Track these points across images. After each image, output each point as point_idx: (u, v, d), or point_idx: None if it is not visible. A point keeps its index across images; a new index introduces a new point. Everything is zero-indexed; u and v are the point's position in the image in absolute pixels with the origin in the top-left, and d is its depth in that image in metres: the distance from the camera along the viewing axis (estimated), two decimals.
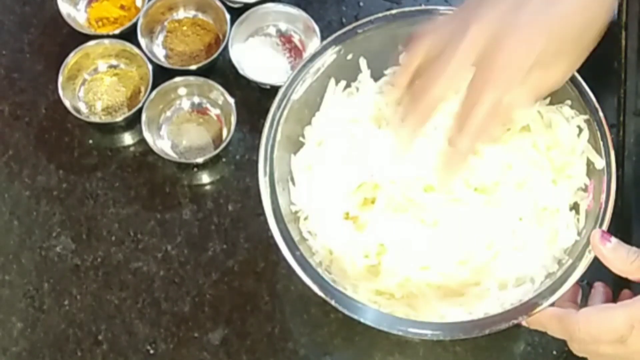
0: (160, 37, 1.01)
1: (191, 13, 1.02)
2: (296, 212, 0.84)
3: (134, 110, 0.95)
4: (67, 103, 0.96)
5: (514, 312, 0.77)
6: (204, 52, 1.00)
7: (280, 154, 0.84)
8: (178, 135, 0.97)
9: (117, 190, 0.95)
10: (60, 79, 0.96)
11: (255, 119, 0.96)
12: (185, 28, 1.01)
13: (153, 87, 0.96)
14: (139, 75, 0.99)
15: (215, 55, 0.98)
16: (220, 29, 1.00)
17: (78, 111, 0.97)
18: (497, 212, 0.82)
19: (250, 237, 0.93)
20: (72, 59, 0.97)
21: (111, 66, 1.00)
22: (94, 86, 0.99)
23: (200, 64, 0.97)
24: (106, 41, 0.98)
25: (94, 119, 0.97)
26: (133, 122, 0.96)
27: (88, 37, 0.98)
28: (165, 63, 0.99)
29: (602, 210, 0.80)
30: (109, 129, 0.98)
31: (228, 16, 0.99)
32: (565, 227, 0.82)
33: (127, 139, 0.98)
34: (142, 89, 0.97)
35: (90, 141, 0.97)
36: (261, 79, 0.97)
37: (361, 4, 1.03)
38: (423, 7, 0.88)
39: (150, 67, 0.97)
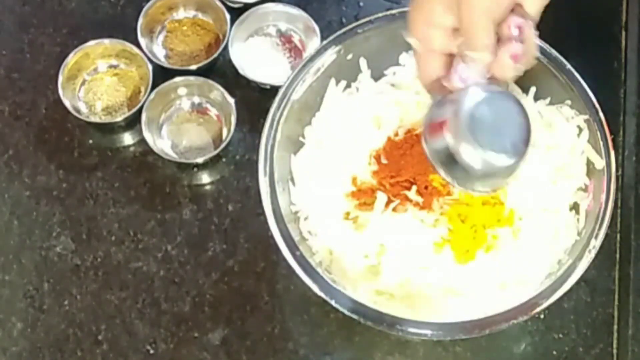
0: (160, 37, 1.01)
1: (191, 13, 1.02)
2: (296, 212, 0.84)
3: (134, 110, 0.95)
4: (67, 103, 0.96)
5: (514, 312, 0.77)
6: (204, 52, 1.00)
7: (280, 154, 0.84)
8: (178, 135, 0.97)
9: (117, 190, 0.95)
10: (60, 79, 0.96)
11: (255, 119, 0.96)
12: (185, 28, 1.01)
13: (153, 87, 0.96)
14: (139, 75, 0.99)
15: (215, 55, 0.97)
16: (220, 29, 1.00)
17: (78, 111, 0.97)
18: (497, 212, 0.82)
19: (250, 237, 0.93)
20: (72, 59, 0.97)
21: (111, 66, 0.99)
22: (94, 86, 0.99)
23: (200, 64, 0.97)
24: (106, 41, 0.98)
25: (94, 119, 0.97)
26: (133, 122, 0.96)
27: (88, 37, 0.98)
28: (165, 63, 0.99)
29: (602, 210, 0.80)
30: (109, 129, 0.98)
31: (228, 16, 0.99)
32: (565, 227, 0.82)
33: (127, 139, 0.97)
34: (142, 89, 0.97)
35: (90, 141, 0.97)
36: (261, 79, 0.97)
37: (361, 4, 1.03)
38: None
39: (150, 67, 0.96)
